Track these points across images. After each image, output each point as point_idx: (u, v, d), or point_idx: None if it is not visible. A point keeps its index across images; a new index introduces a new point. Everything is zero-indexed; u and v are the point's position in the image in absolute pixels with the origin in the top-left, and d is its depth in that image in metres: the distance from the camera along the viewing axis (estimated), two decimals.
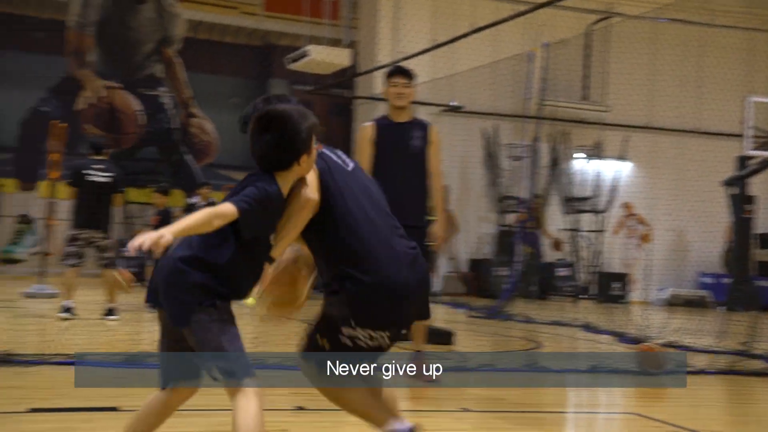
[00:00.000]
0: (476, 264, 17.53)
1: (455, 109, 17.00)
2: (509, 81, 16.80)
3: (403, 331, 3.42)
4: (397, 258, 3.23)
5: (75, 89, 17.04)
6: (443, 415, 5.00)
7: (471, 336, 9.35)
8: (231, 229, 2.97)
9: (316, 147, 3.24)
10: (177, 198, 16.23)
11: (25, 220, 16.20)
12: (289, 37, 18.05)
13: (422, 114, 11.02)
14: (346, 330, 3.24)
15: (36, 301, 11.06)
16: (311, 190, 3.20)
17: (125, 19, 17.48)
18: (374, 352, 3.30)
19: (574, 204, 17.76)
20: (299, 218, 3.18)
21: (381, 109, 7.40)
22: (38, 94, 16.78)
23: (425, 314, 3.47)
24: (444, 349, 7.71)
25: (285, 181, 3.10)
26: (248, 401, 2.92)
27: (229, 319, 3.04)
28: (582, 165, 18.00)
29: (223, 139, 18.11)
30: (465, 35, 12.17)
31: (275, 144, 3.06)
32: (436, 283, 15.84)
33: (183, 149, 17.86)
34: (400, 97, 6.12)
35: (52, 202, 12.42)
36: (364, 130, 6.23)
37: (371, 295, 3.17)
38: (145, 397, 5.01)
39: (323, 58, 14.87)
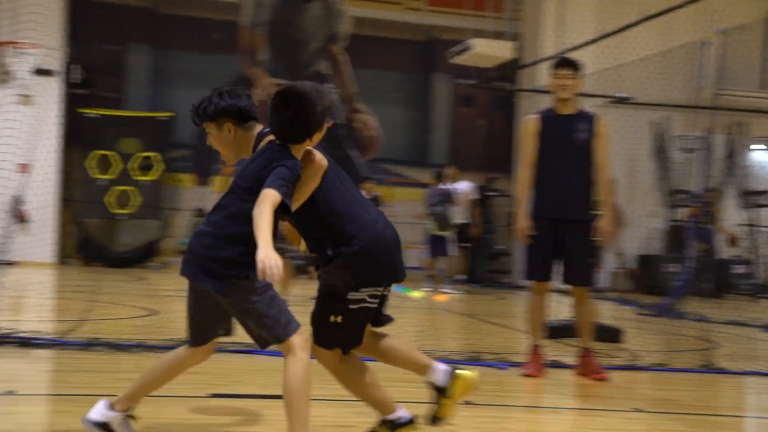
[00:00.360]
0: (645, 260, 16.96)
1: (623, 101, 16.48)
2: (681, 70, 16.12)
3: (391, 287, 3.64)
4: (378, 219, 3.54)
5: (247, 87, 17.71)
6: (615, 414, 4.86)
7: (640, 334, 9.05)
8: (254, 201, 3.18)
9: (328, 123, 3.48)
10: None
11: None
12: (452, 31, 18.04)
13: (588, 106, 10.75)
14: (351, 295, 3.48)
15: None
16: (322, 157, 3.47)
17: (294, 18, 18.01)
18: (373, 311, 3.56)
19: (752, 198, 16.84)
20: (314, 182, 3.44)
21: (544, 102, 7.30)
22: None
23: (404, 275, 3.66)
24: (612, 346, 7.49)
25: (298, 154, 3.38)
26: (296, 361, 3.26)
27: (264, 286, 3.28)
28: (761, 157, 17.03)
29: (386, 134, 18.35)
30: (634, 24, 11.77)
31: (292, 121, 3.33)
32: (603, 279, 15.43)
33: (347, 144, 18.22)
34: (564, 88, 6.00)
35: None
36: (528, 123, 6.14)
37: (366, 252, 3.43)
38: (313, 386, 5.14)
39: (486, 51, 14.76)
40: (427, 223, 13.99)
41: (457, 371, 3.69)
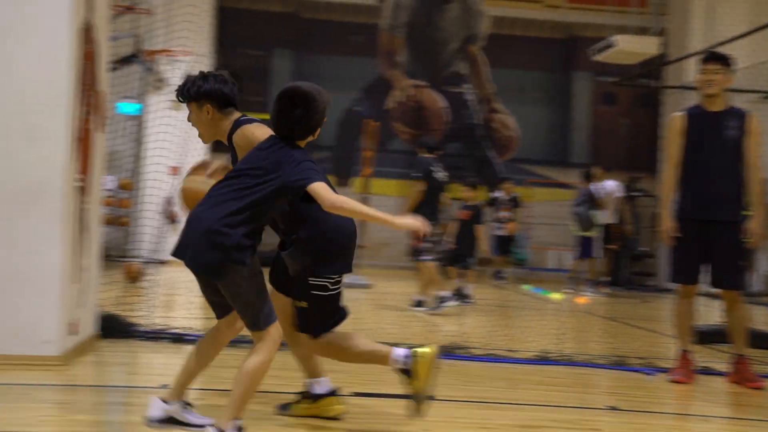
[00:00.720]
0: None
1: None
2: None
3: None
4: None
5: (385, 89, 17.90)
6: None
7: None
8: (271, 191, 3.38)
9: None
10: (480, 193, 16.51)
11: None
12: (593, 28, 17.67)
13: (740, 102, 10.30)
14: (312, 280, 3.78)
15: (351, 290, 11.75)
16: None
17: (433, 20, 18.07)
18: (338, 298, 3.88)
19: None
20: None
21: (693, 99, 7.00)
22: (353, 95, 17.85)
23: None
24: None
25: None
26: (266, 351, 3.40)
27: (258, 273, 3.43)
28: None
29: (524, 133, 18.14)
30: None
31: (299, 120, 3.54)
32: (755, 283, 14.72)
33: (485, 145, 18.13)
34: (710, 84, 5.77)
35: (366, 197, 13.15)
36: (674, 121, 5.94)
37: (326, 236, 3.74)
38: (455, 386, 5.13)
39: (630, 47, 14.35)
40: (571, 224, 13.76)
41: (416, 350, 3.94)
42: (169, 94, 15.27)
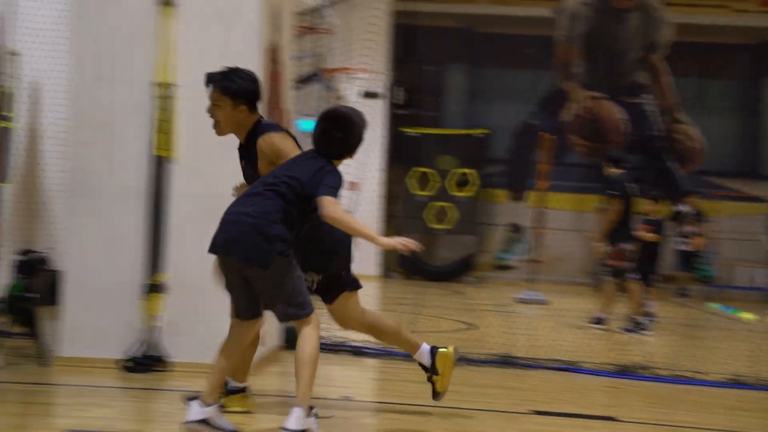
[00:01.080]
0: None
1: None
2: None
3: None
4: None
5: (562, 101, 17.58)
6: None
7: None
8: (302, 198, 3.71)
9: None
10: (662, 206, 15.90)
11: (515, 229, 17.10)
12: None
13: None
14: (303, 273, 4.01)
15: (527, 306, 11.58)
16: None
17: (611, 29, 17.60)
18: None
19: None
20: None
21: None
22: (528, 108, 17.64)
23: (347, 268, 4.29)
24: None
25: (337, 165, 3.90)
26: (312, 330, 3.74)
27: (296, 265, 3.78)
28: None
29: (711, 145, 17.32)
30: None
31: (340, 141, 3.84)
32: None
33: (668, 157, 17.44)
34: None
35: (542, 212, 12.94)
36: None
37: (313, 242, 3.99)
38: (639, 408, 4.95)
39: None
40: (764, 239, 13.01)
41: (439, 349, 4.29)
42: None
